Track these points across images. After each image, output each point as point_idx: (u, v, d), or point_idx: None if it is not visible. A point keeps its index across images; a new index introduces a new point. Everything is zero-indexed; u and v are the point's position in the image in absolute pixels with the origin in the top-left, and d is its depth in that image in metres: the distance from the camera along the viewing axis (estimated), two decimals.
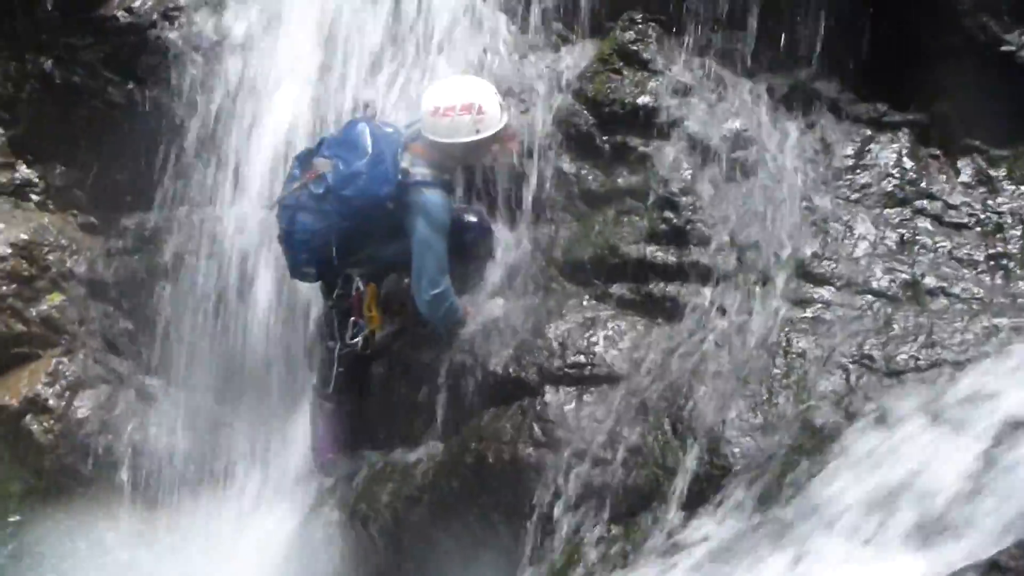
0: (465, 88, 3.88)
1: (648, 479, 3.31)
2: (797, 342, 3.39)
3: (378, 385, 4.22)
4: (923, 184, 3.78)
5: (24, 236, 5.20)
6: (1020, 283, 3.46)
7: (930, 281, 3.50)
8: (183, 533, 4.75)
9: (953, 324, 3.26)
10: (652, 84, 4.12)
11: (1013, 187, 3.72)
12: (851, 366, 3.24)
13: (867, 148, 3.90)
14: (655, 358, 3.61)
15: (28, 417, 5.03)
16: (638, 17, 4.26)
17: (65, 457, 5.04)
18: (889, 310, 3.42)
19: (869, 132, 3.94)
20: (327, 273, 4.07)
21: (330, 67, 4.59)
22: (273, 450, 4.68)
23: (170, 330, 4.93)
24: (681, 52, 4.21)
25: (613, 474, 3.37)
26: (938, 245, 3.62)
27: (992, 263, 3.53)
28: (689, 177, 3.91)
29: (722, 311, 3.62)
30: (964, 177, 3.80)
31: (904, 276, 3.54)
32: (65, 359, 5.16)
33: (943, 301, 3.44)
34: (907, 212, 3.73)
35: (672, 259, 3.79)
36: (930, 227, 3.68)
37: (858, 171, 3.87)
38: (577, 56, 4.36)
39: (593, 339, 3.72)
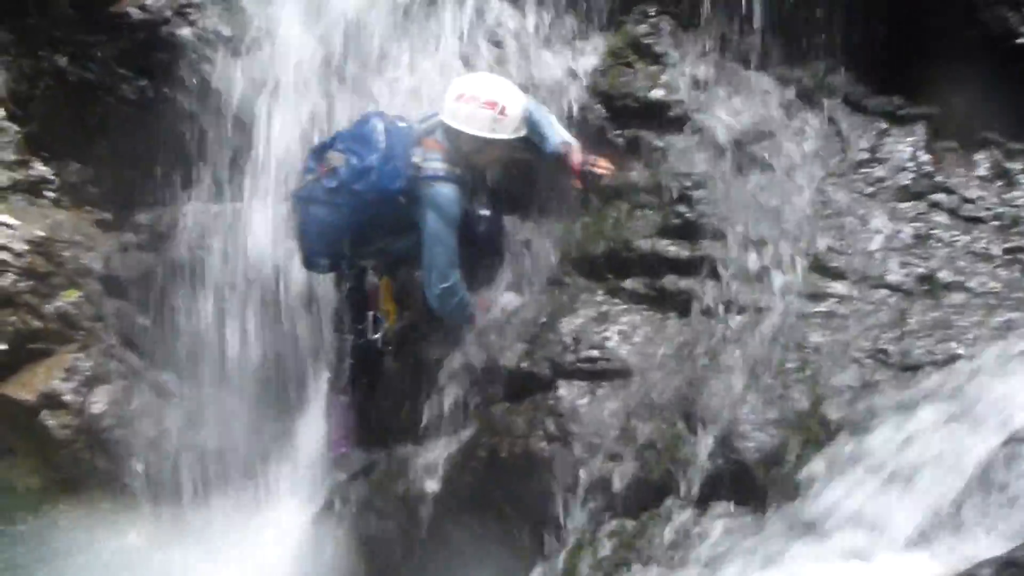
0: (497, 86, 3.87)
1: (661, 473, 3.30)
2: (811, 336, 3.37)
3: (391, 379, 4.23)
4: (939, 178, 3.75)
5: (40, 233, 5.24)
6: None
7: (946, 275, 3.47)
8: (198, 527, 4.77)
9: (969, 318, 3.23)
10: (665, 78, 4.11)
11: None
12: (866, 360, 3.22)
13: (882, 141, 3.87)
14: (668, 352, 3.60)
15: (45, 412, 5.07)
16: (651, 11, 4.25)
17: (81, 452, 5.08)
18: (904, 304, 3.39)
19: (884, 125, 3.91)
20: (340, 265, 4.09)
21: (342, 62, 4.58)
22: (288, 445, 4.69)
23: (185, 325, 4.95)
24: (694, 45, 4.19)
25: (626, 468, 3.36)
26: (954, 239, 3.59)
27: (1009, 257, 3.49)
28: (702, 171, 3.89)
29: (735, 305, 3.60)
30: (980, 171, 3.76)
31: (919, 270, 3.51)
32: (81, 355, 5.20)
33: (959, 295, 3.40)
34: (923, 206, 3.70)
35: (685, 253, 3.78)
36: (946, 221, 3.65)
37: (873, 164, 3.83)
38: (590, 50, 4.35)
39: (606, 333, 3.71)
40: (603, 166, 3.98)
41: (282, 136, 4.62)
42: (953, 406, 2.91)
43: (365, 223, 3.89)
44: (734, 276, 3.67)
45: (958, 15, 3.78)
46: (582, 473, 3.43)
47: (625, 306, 3.80)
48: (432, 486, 3.89)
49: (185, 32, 4.85)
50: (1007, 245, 3.53)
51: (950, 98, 3.86)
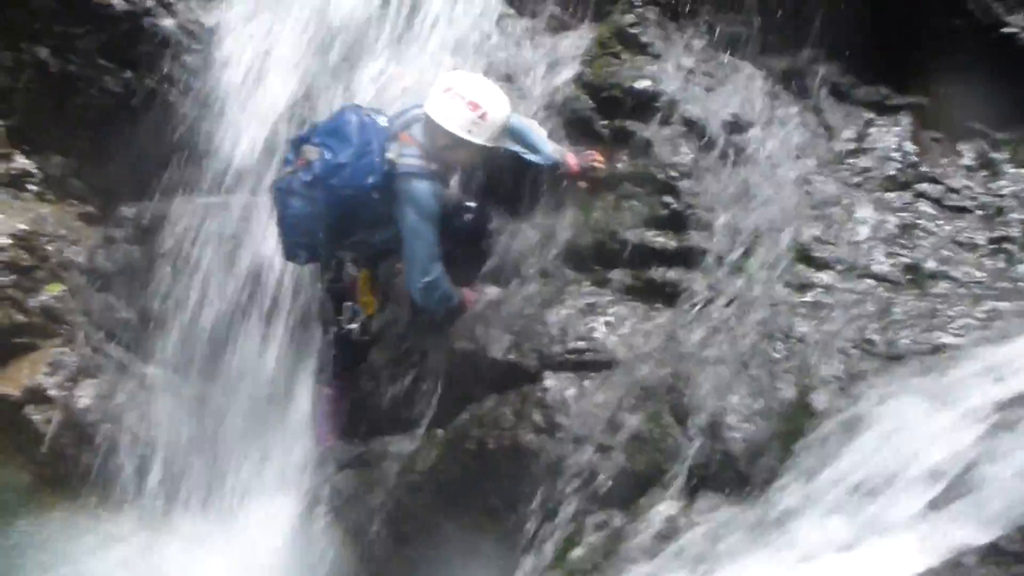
0: (485, 90, 3.84)
1: (649, 464, 3.30)
2: (798, 327, 3.38)
3: (377, 371, 4.22)
4: (924, 167, 3.76)
5: (23, 226, 5.20)
6: (1021, 267, 3.43)
7: (931, 265, 3.48)
8: (184, 521, 4.75)
9: (954, 308, 3.24)
10: (651, 68, 4.09)
11: (1015, 170, 3.69)
12: (852, 351, 3.23)
13: (868, 131, 3.88)
14: (655, 343, 3.60)
15: (29, 407, 5.04)
16: (637, 1, 4.23)
17: (66, 447, 5.05)
18: (890, 294, 3.40)
19: (870, 115, 3.92)
20: (319, 256, 4.08)
21: (324, 52, 4.56)
22: (274, 437, 4.67)
23: (170, 319, 4.93)
24: (681, 35, 4.18)
25: (614, 460, 3.36)
26: (939, 229, 3.60)
27: (994, 247, 3.51)
28: (689, 161, 3.88)
29: (722, 296, 3.60)
30: (966, 160, 3.78)
31: (905, 260, 3.52)
32: (66, 349, 5.17)
33: (944, 285, 3.41)
34: (908, 196, 3.71)
35: (672, 244, 3.77)
36: (931, 211, 3.66)
37: (859, 154, 3.84)
38: (576, 40, 4.34)
39: (593, 325, 3.70)
40: (598, 160, 3.99)
41: (265, 127, 4.59)
42: (938, 395, 2.92)
43: (342, 216, 3.88)
44: (721, 267, 3.68)
45: (944, 5, 3.79)
46: (570, 465, 3.43)
47: (612, 297, 3.79)
48: (420, 478, 3.88)
49: (168, 23, 4.83)
50: (992, 235, 3.55)
51: (936, 88, 3.87)
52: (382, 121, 3.92)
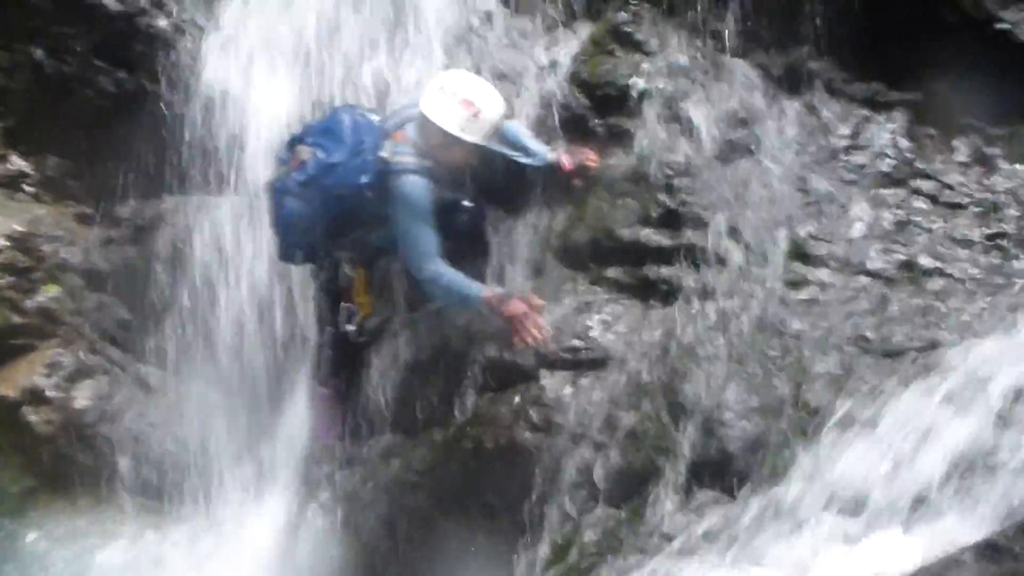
0: (479, 89, 3.83)
1: (645, 462, 3.32)
2: (793, 324, 3.39)
3: (374, 370, 4.22)
4: (919, 164, 3.77)
5: (19, 228, 5.17)
6: (1016, 262, 3.45)
7: (926, 261, 3.49)
8: (183, 522, 4.75)
9: (950, 304, 3.27)
10: (646, 66, 4.09)
11: (1010, 166, 3.70)
12: (847, 347, 3.25)
13: (863, 128, 3.88)
14: (651, 341, 3.61)
15: (26, 408, 5.01)
16: None
17: (64, 448, 5.02)
18: (885, 291, 3.42)
19: (865, 112, 3.92)
20: (314, 256, 4.08)
21: (322, 50, 4.55)
22: (273, 438, 4.67)
23: (167, 319, 4.93)
24: (675, 33, 4.18)
25: (610, 457, 3.38)
26: (934, 225, 3.61)
27: (988, 243, 3.52)
28: (684, 159, 3.88)
29: (717, 293, 3.60)
30: (960, 157, 3.78)
31: (900, 256, 3.53)
32: (63, 350, 5.13)
33: (939, 281, 3.43)
34: (903, 192, 3.72)
35: (667, 242, 3.77)
36: (926, 207, 3.67)
37: (854, 151, 3.84)
38: (570, 38, 4.33)
39: (589, 323, 3.72)
40: (592, 159, 4.00)
41: (262, 126, 4.58)
42: (935, 391, 2.93)
43: (336, 216, 3.88)
44: (716, 264, 3.68)
45: (938, 1, 3.78)
46: (566, 463, 3.45)
47: (608, 295, 3.80)
48: (417, 477, 3.89)
49: (162, 23, 4.80)
50: (987, 231, 3.56)
51: (931, 84, 3.87)
52: (375, 120, 3.92)
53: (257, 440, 4.71)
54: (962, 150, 3.79)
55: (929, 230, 3.61)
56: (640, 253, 3.81)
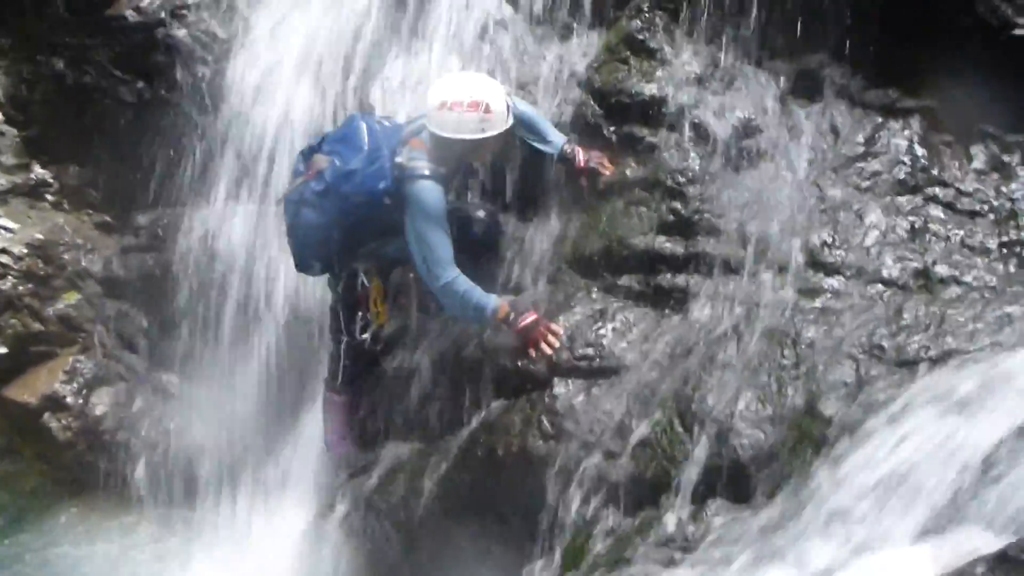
0: (474, 85, 3.84)
1: (657, 471, 3.30)
2: (806, 332, 3.36)
3: (387, 378, 4.24)
4: (935, 171, 3.73)
5: (40, 236, 5.27)
6: None
7: (942, 270, 3.46)
8: (199, 528, 4.79)
9: (965, 313, 3.22)
10: (660, 73, 4.08)
11: None
12: (861, 356, 3.21)
13: (878, 135, 3.84)
14: (664, 349, 3.59)
15: (47, 415, 5.10)
16: (645, 6, 4.22)
17: (83, 454, 5.10)
18: (900, 299, 3.38)
19: (880, 119, 3.88)
20: (332, 267, 4.10)
21: (336, 61, 4.59)
22: (287, 445, 4.70)
23: (185, 326, 4.97)
24: (689, 41, 4.17)
25: (622, 466, 3.36)
26: (950, 233, 3.57)
27: (1005, 251, 3.48)
28: (697, 167, 3.88)
29: (731, 301, 3.59)
30: (977, 164, 3.74)
31: (915, 265, 3.49)
32: (82, 357, 5.22)
33: (955, 290, 3.39)
34: (919, 200, 3.68)
35: (681, 250, 3.77)
36: (942, 215, 3.63)
37: (869, 158, 3.81)
38: (584, 46, 4.34)
39: (602, 331, 3.70)
40: (605, 165, 4.02)
41: (278, 137, 4.62)
42: (949, 401, 2.90)
43: (354, 225, 3.89)
44: (729, 272, 3.67)
45: (954, 7, 3.75)
46: (578, 471, 3.43)
47: (620, 303, 3.79)
48: (431, 485, 3.89)
49: (181, 34, 4.87)
50: (1004, 239, 3.52)
51: (947, 91, 3.83)
52: (391, 128, 3.94)
53: (274, 448, 4.74)
54: (979, 157, 3.75)
55: (945, 238, 3.57)
56: (653, 261, 3.80)
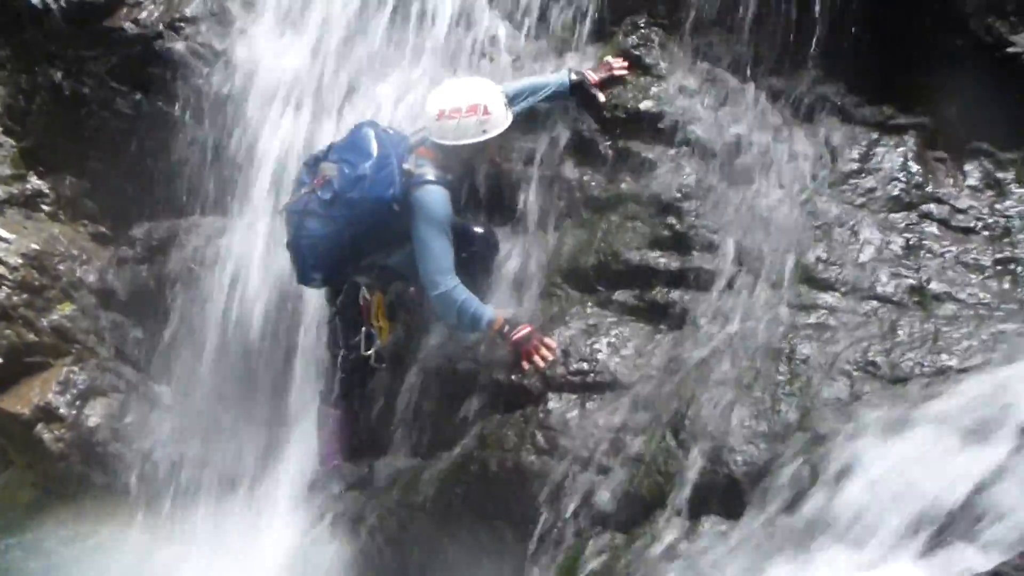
0: (469, 89, 3.87)
1: (651, 487, 3.29)
2: (801, 348, 3.36)
3: (382, 392, 4.23)
4: (929, 188, 3.74)
5: (35, 246, 5.26)
6: None
7: (936, 286, 3.46)
8: (192, 541, 4.76)
9: (959, 330, 3.22)
10: (655, 89, 4.11)
11: (1021, 191, 3.68)
12: (855, 373, 3.21)
13: (873, 152, 3.86)
14: (658, 365, 3.60)
15: (40, 426, 5.07)
16: (641, 21, 4.26)
17: (76, 465, 5.08)
18: (894, 316, 3.38)
19: (875, 135, 3.90)
20: (334, 279, 4.08)
21: (333, 74, 4.60)
22: (281, 458, 4.68)
23: (180, 339, 4.96)
24: (684, 56, 4.19)
25: (615, 482, 3.35)
26: (944, 250, 3.58)
27: (999, 268, 3.49)
28: (692, 182, 3.89)
29: (725, 317, 3.59)
30: (971, 181, 3.76)
31: (910, 281, 3.50)
32: (76, 368, 5.20)
33: (949, 307, 3.40)
34: (913, 216, 3.70)
35: (675, 265, 3.77)
36: (936, 231, 3.65)
37: (863, 175, 3.83)
38: (580, 61, 4.34)
39: (596, 346, 3.70)
40: (618, 67, 4.11)
41: (276, 149, 4.63)
42: (943, 418, 2.89)
43: (360, 235, 3.88)
44: (724, 288, 3.67)
45: (948, 24, 3.78)
46: (572, 487, 3.42)
47: (615, 318, 3.79)
48: (423, 499, 3.87)
49: (178, 46, 4.88)
50: (998, 256, 3.53)
51: (941, 108, 3.86)
52: (398, 136, 3.95)
53: (266, 461, 4.72)
54: (973, 174, 3.77)
55: (940, 255, 3.58)
56: (648, 276, 3.80)
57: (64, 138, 5.33)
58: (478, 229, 4.14)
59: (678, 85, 4.09)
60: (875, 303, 3.47)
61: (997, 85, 3.68)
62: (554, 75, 4.15)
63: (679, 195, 3.87)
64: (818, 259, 3.62)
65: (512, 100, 3.98)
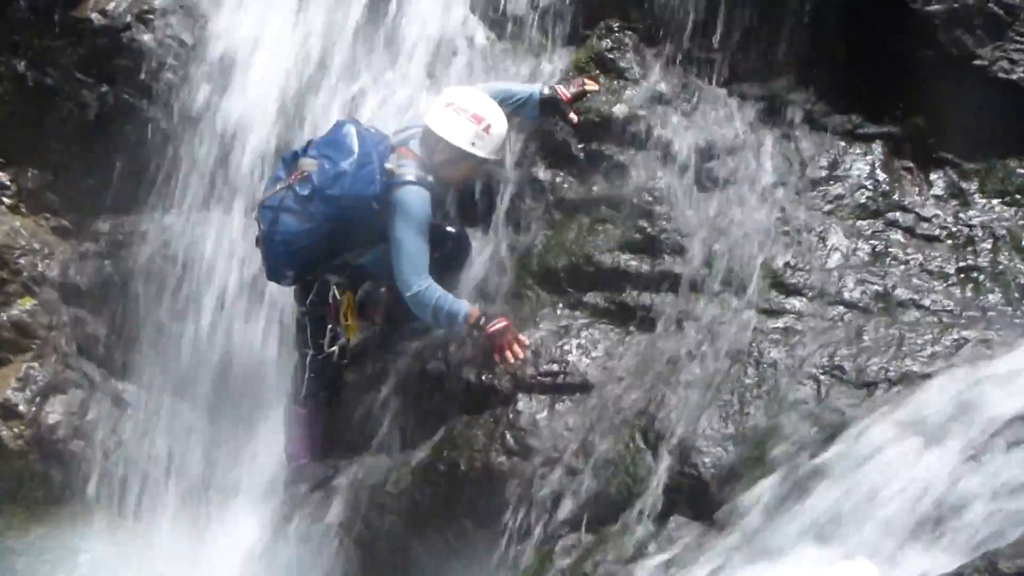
0: (487, 104, 3.85)
1: (619, 488, 3.32)
2: (769, 352, 3.40)
3: (351, 391, 4.20)
4: (896, 196, 3.80)
5: None
6: (990, 296, 3.48)
7: (901, 293, 3.52)
8: (153, 539, 4.70)
9: (924, 336, 3.28)
10: (628, 93, 4.13)
11: (984, 200, 3.75)
12: (822, 377, 3.26)
13: (841, 159, 3.91)
14: (628, 367, 3.62)
15: None
16: (615, 25, 4.27)
17: (36, 463, 4.99)
18: (860, 321, 3.43)
19: (843, 143, 3.95)
20: (305, 277, 4.04)
21: (305, 72, 4.56)
22: (246, 456, 4.64)
23: (143, 335, 4.89)
24: (658, 61, 4.21)
25: (585, 483, 3.37)
26: (910, 257, 3.64)
27: (962, 276, 3.56)
28: (663, 186, 3.92)
29: (695, 320, 3.62)
30: (936, 190, 3.82)
31: (876, 288, 3.55)
32: (36, 364, 5.11)
33: (914, 313, 3.45)
34: (880, 224, 3.75)
35: (646, 268, 3.80)
36: (902, 239, 3.70)
37: (832, 182, 3.88)
38: (554, 64, 4.36)
39: (566, 347, 3.72)
40: (589, 82, 4.10)
41: (243, 146, 4.58)
42: (908, 422, 2.94)
43: (335, 233, 3.84)
44: (694, 291, 3.70)
45: (916, 36, 3.84)
46: (541, 488, 3.43)
47: (586, 320, 3.81)
48: (391, 500, 3.86)
49: (146, 38, 4.80)
50: (961, 264, 3.60)
51: (908, 118, 3.93)
52: (379, 135, 3.91)
53: (231, 459, 4.67)
54: (938, 184, 3.84)
55: (905, 262, 3.64)
56: (619, 279, 3.82)
57: (27, 129, 5.22)
58: (451, 229, 4.14)
59: (651, 89, 4.12)
60: (842, 308, 3.52)
61: (963, 97, 3.75)
62: (527, 86, 4.12)
63: (650, 199, 3.89)
64: (786, 264, 3.66)
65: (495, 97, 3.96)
